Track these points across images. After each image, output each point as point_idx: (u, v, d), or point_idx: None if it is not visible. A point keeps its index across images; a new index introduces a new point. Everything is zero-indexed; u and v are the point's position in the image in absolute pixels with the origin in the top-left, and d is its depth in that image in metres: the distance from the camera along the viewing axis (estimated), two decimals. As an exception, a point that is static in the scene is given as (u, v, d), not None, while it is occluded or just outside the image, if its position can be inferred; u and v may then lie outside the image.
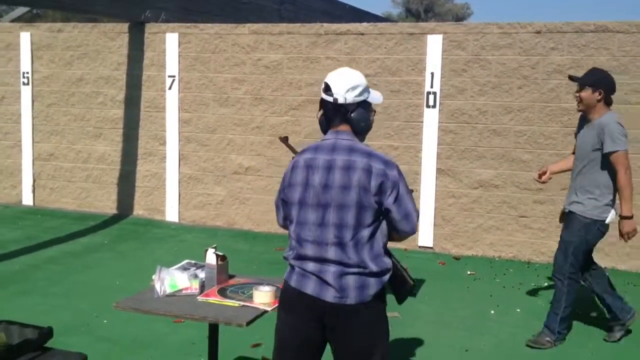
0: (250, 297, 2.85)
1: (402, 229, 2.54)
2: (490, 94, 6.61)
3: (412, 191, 2.62)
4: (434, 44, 6.73)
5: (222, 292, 2.94)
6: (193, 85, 7.70)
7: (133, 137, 8.02)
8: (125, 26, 7.95)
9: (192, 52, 7.67)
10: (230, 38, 7.52)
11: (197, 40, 7.64)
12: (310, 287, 2.49)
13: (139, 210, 8.07)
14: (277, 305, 2.69)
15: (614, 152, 4.15)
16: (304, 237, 2.52)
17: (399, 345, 4.35)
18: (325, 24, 7.28)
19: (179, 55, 7.70)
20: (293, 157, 2.69)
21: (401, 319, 4.70)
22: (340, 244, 2.46)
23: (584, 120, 4.42)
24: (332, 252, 2.47)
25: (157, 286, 2.89)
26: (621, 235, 4.25)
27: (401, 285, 2.68)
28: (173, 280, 2.90)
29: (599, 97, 4.23)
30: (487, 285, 5.80)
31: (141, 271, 5.80)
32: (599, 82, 4.25)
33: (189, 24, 7.78)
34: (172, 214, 7.89)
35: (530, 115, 6.50)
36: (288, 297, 2.56)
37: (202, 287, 2.96)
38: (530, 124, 6.51)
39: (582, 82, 4.28)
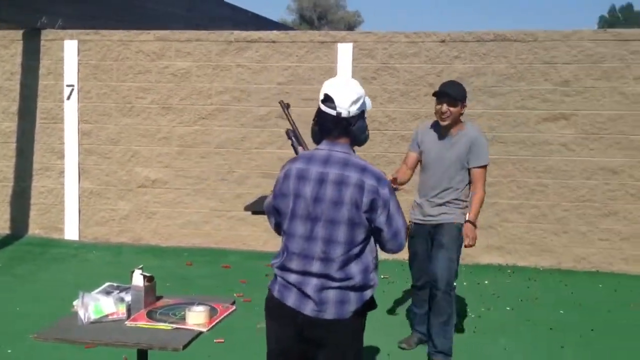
0: (183, 319, 2.74)
1: (389, 247, 2.55)
2: (398, 101, 6.77)
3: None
4: (345, 52, 6.81)
5: (152, 315, 2.80)
6: (94, 95, 7.38)
7: (28, 151, 7.56)
8: (19, 33, 7.50)
9: (92, 60, 7.35)
10: (134, 45, 7.27)
11: (98, 47, 7.33)
12: (290, 299, 2.50)
13: (34, 230, 7.61)
14: (212, 325, 2.65)
15: (483, 166, 4.19)
16: (291, 250, 2.51)
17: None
18: (235, 32, 7.19)
19: (79, 64, 7.35)
20: (284, 166, 2.62)
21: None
22: (327, 259, 2.46)
23: (430, 134, 4.33)
24: (316, 266, 2.47)
25: (81, 313, 2.71)
26: (467, 238, 4.14)
27: None
28: (98, 305, 2.74)
29: (463, 111, 4.23)
30: (404, 287, 5.91)
31: (44, 295, 5.48)
32: (465, 97, 4.24)
33: (89, 31, 7.45)
34: (71, 232, 7.49)
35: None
36: (270, 306, 2.60)
37: (129, 311, 2.81)
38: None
39: (456, 97, 4.15)
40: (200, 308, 2.75)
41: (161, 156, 7.28)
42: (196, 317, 2.72)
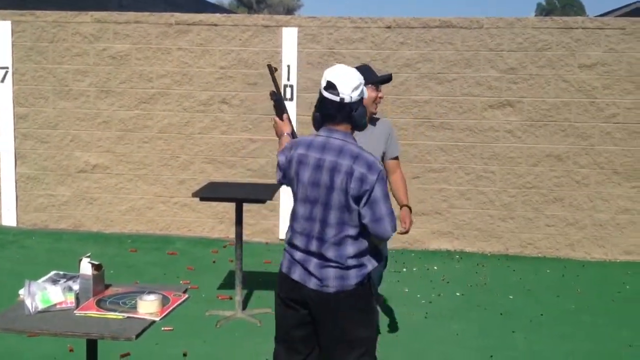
0: (134, 308, 2.60)
1: (373, 232, 2.65)
2: (346, 87, 6.70)
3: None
4: (290, 36, 6.69)
5: (101, 304, 2.65)
6: (29, 77, 7.02)
7: (-43, 135, 7.15)
8: (-55, 11, 7.06)
9: (27, 41, 6.99)
10: (71, 27, 6.94)
11: (33, 28, 6.97)
12: (297, 274, 2.70)
13: (-32, 216, 7.23)
14: (164, 314, 2.57)
15: (397, 155, 3.97)
16: (295, 229, 2.73)
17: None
18: (176, 14, 6.96)
19: (12, 45, 6.97)
20: (283, 150, 2.83)
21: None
22: (322, 240, 2.64)
23: None
24: (314, 245, 2.66)
25: (28, 302, 2.54)
26: (403, 224, 3.85)
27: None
28: (45, 294, 2.57)
29: None
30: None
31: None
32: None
33: (23, 11, 7.07)
34: (9, 218, 7.15)
35: (383, 107, 6.68)
36: (280, 280, 2.79)
37: (77, 300, 2.65)
38: (384, 115, 6.69)
39: (384, 81, 3.84)
40: (152, 297, 2.63)
41: (101, 141, 7.00)
42: (148, 306, 2.59)
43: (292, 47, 6.69)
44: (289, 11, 40.46)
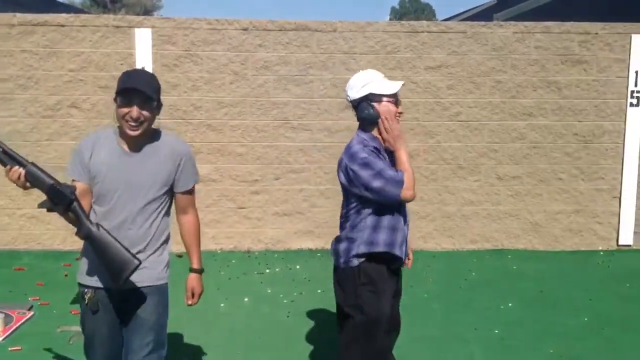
0: (-30, 330, 2.41)
1: (374, 198, 2.96)
2: (203, 90, 6.61)
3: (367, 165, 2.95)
4: (143, 38, 6.50)
5: None
6: None
7: None
8: None
9: None
10: None
11: None
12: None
13: None
14: (7, 333, 2.37)
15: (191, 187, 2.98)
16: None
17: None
18: (18, 14, 6.52)
19: None
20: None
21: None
22: (341, 217, 3.17)
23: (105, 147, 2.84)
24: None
25: None
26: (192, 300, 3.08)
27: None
28: None
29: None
30: (213, 279, 5.82)
31: None
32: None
33: None
34: None
35: (243, 109, 6.67)
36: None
37: None
38: (244, 118, 6.68)
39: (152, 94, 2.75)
40: (-6, 316, 2.44)
41: None
42: (-12, 327, 2.41)
43: (146, 48, 6.50)
44: (148, 11, 39.24)
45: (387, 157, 3.08)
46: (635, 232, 6.89)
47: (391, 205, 3.01)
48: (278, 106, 6.69)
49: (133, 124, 2.70)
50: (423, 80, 6.75)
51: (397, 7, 55.47)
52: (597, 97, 6.80)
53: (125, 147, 2.78)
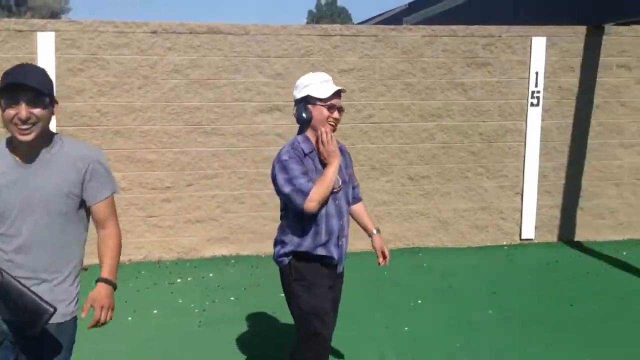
0: None
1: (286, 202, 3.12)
2: (110, 95, 6.44)
3: (287, 176, 3.03)
4: (46, 42, 6.26)
5: None
6: None
7: None
8: None
9: None
10: None
11: None
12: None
13: None
14: None
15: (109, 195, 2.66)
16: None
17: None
18: None
19: None
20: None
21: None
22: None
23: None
24: None
25: None
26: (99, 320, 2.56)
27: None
28: None
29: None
30: (120, 291, 5.64)
31: None
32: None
33: None
34: None
35: (153, 114, 6.54)
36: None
37: None
38: (154, 123, 6.56)
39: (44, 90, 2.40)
40: None
41: None
42: None
43: (49, 52, 6.27)
44: (55, 15, 37.87)
45: (315, 160, 3.12)
46: (536, 227, 7.21)
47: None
48: (190, 111, 6.60)
49: (23, 126, 2.31)
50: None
51: (314, 10, 55.84)
52: (501, 98, 7.07)
53: (18, 157, 2.42)
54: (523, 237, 7.21)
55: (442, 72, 6.96)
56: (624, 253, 6.76)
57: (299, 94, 3.14)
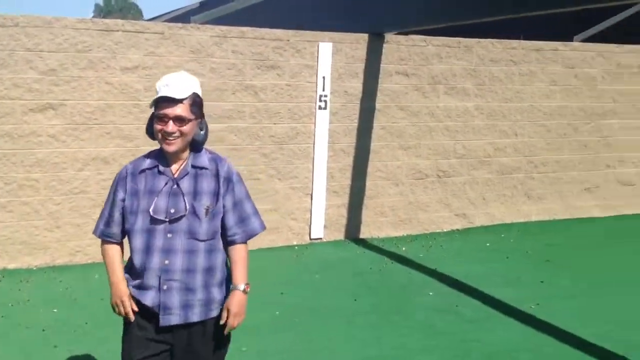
0: None
1: None
2: None
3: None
4: None
5: None
6: None
7: None
8: None
9: None
10: None
11: None
12: None
13: None
14: None
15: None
16: None
17: None
18: None
19: None
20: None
21: None
22: None
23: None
24: None
25: None
26: None
27: None
28: None
29: None
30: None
31: None
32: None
33: None
34: None
35: None
36: None
37: None
38: None
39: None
40: None
41: None
42: None
43: None
44: None
45: (148, 180, 2.59)
46: (325, 226, 7.42)
47: (134, 237, 2.59)
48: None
49: None
50: (119, 81, 6.41)
51: (101, 4, 53.24)
52: (291, 101, 7.15)
53: None
54: (312, 236, 7.37)
55: (233, 74, 6.87)
56: (403, 248, 7.18)
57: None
